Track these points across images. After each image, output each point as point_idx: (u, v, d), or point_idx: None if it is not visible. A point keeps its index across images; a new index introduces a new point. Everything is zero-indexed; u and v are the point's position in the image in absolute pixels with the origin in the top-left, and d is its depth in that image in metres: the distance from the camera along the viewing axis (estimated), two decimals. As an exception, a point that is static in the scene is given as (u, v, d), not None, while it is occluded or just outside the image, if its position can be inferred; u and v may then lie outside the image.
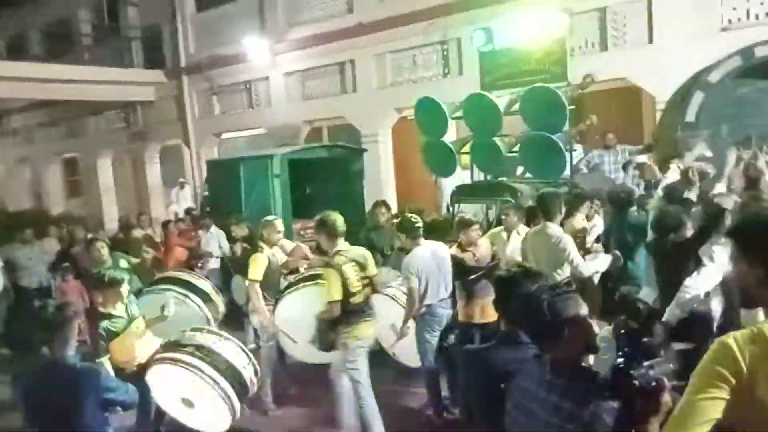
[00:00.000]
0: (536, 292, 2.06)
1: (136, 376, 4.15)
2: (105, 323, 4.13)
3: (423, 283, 4.65)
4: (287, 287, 5.38)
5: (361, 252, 4.41)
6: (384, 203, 6.99)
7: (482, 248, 5.09)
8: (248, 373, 4.31)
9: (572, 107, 6.46)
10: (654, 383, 1.64)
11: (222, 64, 13.94)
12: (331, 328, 4.26)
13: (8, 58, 16.44)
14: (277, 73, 13.36)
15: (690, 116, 8.05)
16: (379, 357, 5.93)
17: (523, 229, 5.35)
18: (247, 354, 4.38)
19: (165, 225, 9.59)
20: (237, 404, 4.22)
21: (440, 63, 11.16)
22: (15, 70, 13.60)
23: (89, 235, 8.87)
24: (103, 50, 16.64)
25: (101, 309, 4.21)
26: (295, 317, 5.30)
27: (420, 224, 4.80)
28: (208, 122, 15.06)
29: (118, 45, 16.40)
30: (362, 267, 4.30)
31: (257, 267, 5.17)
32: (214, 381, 4.11)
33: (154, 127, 16.22)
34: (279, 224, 5.50)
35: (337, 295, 4.12)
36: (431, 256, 4.74)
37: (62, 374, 2.81)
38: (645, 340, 1.77)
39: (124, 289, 4.28)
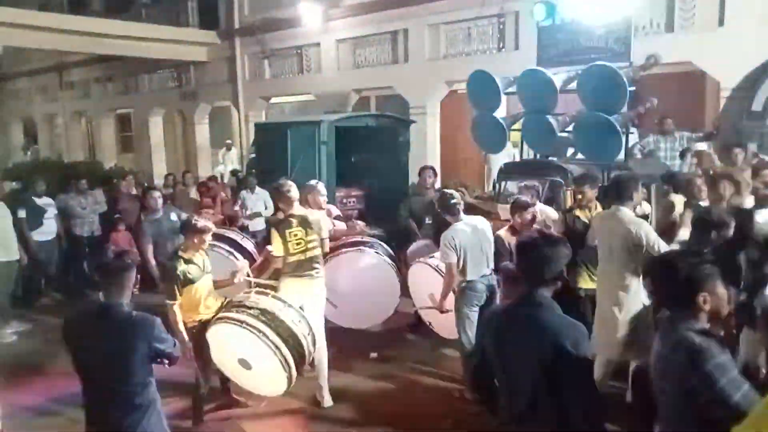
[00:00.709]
0: (674, 258, 2.11)
1: (197, 331, 4.23)
2: (184, 267, 4.15)
3: (462, 258, 4.61)
4: (326, 253, 5.46)
5: (315, 218, 4.86)
6: (432, 168, 6.92)
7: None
8: (307, 343, 4.30)
9: (632, 89, 6.22)
10: None
11: (275, 27, 13.95)
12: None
13: (69, 12, 16.80)
14: (328, 39, 13.29)
15: (757, 105, 7.68)
16: (416, 327, 6.02)
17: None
18: (307, 323, 4.36)
19: (201, 185, 9.77)
20: (294, 372, 4.22)
21: (496, 36, 10.89)
22: (75, 24, 13.94)
23: (145, 184, 9.13)
24: (160, 9, 16.86)
25: (182, 254, 4.22)
26: (337, 282, 5.39)
27: (456, 200, 4.75)
28: (258, 85, 15.16)
29: (175, 4, 16.58)
30: (308, 232, 4.74)
31: None
32: (276, 347, 4.09)
33: (205, 87, 16.45)
34: (322, 188, 5.56)
35: (279, 252, 4.68)
36: (472, 232, 4.68)
37: (116, 320, 2.82)
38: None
39: (208, 238, 4.34)
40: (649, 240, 4.06)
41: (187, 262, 4.20)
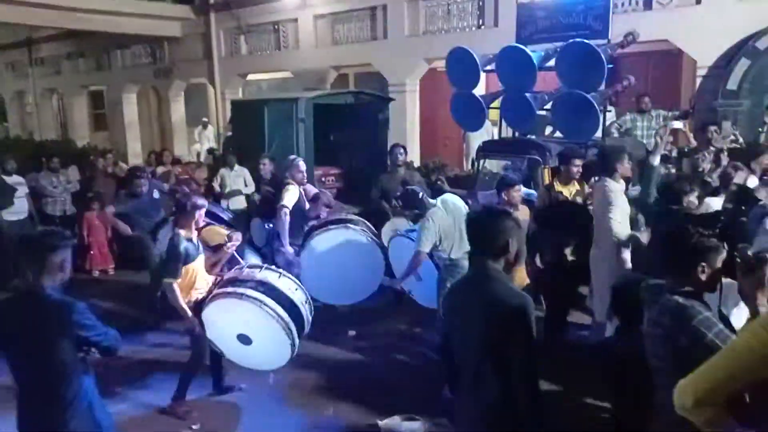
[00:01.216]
0: (685, 228, 2.20)
1: (192, 311, 4.18)
2: (186, 245, 4.11)
3: (443, 241, 4.65)
4: (312, 229, 5.46)
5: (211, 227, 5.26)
6: (402, 146, 6.91)
7: (522, 211, 4.97)
8: (305, 311, 4.33)
9: (610, 66, 6.23)
10: (755, 259, 1.85)
11: (251, 2, 13.69)
12: None
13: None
14: (306, 14, 13.09)
15: (732, 84, 7.77)
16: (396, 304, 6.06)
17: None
18: (303, 291, 4.39)
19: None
20: (297, 339, 4.23)
21: (475, 13, 10.83)
22: (44, -2, 13.49)
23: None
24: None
25: (181, 231, 4.17)
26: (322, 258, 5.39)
27: (421, 194, 4.79)
28: (235, 62, 14.90)
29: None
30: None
31: (292, 195, 5.27)
32: (278, 315, 4.11)
33: (180, 64, 16.11)
34: (301, 163, 5.57)
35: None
36: (447, 213, 4.71)
37: (35, 305, 2.62)
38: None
39: (201, 214, 4.32)
40: (610, 211, 4.18)
41: (188, 240, 4.17)
